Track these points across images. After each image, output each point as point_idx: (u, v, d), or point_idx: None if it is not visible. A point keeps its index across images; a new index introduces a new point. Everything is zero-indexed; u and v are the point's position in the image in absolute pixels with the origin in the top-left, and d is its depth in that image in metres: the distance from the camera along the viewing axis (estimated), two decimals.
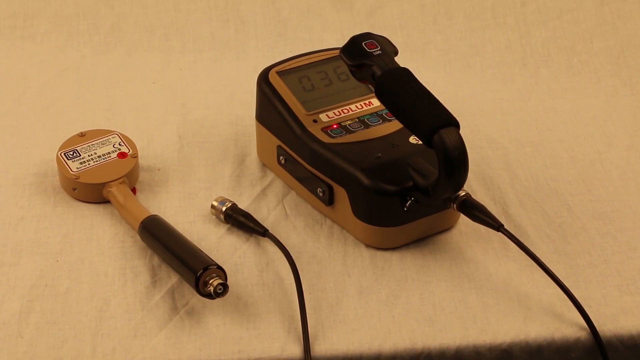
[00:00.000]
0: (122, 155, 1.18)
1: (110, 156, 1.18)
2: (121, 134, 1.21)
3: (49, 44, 1.44)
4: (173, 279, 1.06)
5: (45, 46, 1.43)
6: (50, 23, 1.45)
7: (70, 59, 1.42)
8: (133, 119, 1.31)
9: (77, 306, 1.04)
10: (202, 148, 1.26)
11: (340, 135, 1.14)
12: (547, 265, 1.05)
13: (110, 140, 1.20)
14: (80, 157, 1.18)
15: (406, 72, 1.08)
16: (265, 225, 1.13)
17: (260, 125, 1.20)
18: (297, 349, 0.99)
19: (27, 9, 1.46)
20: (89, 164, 1.17)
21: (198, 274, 1.01)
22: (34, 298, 1.04)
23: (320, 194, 1.13)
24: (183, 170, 1.22)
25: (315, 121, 1.15)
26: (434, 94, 1.06)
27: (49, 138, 1.26)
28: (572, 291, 1.03)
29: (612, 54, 1.44)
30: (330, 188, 1.12)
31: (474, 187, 1.20)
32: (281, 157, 1.18)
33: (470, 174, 1.09)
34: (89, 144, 1.20)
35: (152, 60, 1.42)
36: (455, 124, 1.03)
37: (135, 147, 1.19)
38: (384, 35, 1.13)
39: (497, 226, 1.07)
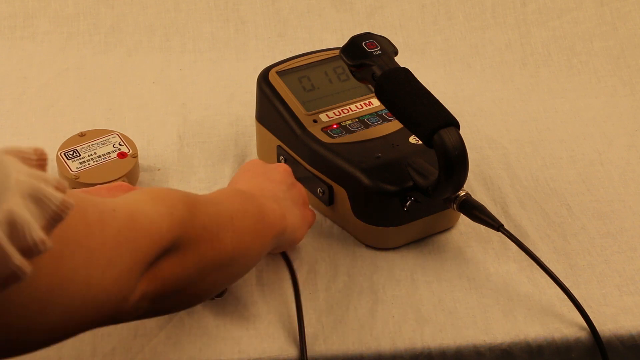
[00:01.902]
0: (122, 155, 1.18)
1: (110, 156, 1.18)
2: (121, 134, 1.21)
3: (49, 44, 1.43)
4: None
5: (45, 46, 1.43)
6: (50, 23, 1.45)
7: (70, 59, 1.42)
8: (133, 119, 1.31)
9: None
10: (202, 148, 1.26)
11: (340, 135, 1.14)
12: (547, 265, 1.05)
13: (110, 140, 1.20)
14: (80, 157, 1.18)
15: (406, 72, 1.08)
16: None
17: (260, 125, 1.20)
18: (296, 349, 0.99)
19: (27, 9, 1.46)
20: (88, 164, 1.17)
21: None
22: None
23: (320, 194, 1.13)
24: (183, 170, 1.22)
25: (315, 121, 1.15)
26: (434, 94, 1.06)
27: (49, 138, 1.26)
28: (572, 291, 1.03)
29: (612, 54, 1.44)
30: (330, 188, 1.12)
31: (474, 187, 1.20)
32: (281, 157, 1.18)
33: (470, 174, 1.09)
34: (89, 144, 1.19)
35: (152, 60, 1.42)
36: (455, 124, 1.03)
37: (135, 147, 1.19)
38: (384, 35, 1.13)
39: (497, 226, 1.07)
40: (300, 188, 1.09)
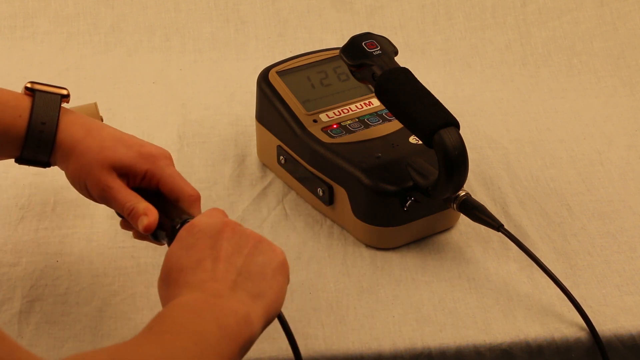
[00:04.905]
0: None
1: None
2: None
3: (49, 44, 1.44)
4: None
5: (45, 46, 1.43)
6: (50, 23, 1.45)
7: (70, 59, 1.42)
8: (133, 119, 1.31)
9: (77, 306, 1.04)
10: (202, 148, 1.26)
11: (340, 135, 1.14)
12: (547, 266, 1.05)
13: None
14: None
15: (406, 72, 1.08)
16: (265, 225, 1.13)
17: (260, 125, 1.20)
18: None
19: (27, 9, 1.46)
20: None
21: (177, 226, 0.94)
22: (34, 298, 1.04)
23: (320, 194, 1.13)
24: (183, 170, 1.22)
25: (315, 121, 1.15)
26: (434, 94, 1.06)
27: None
28: (571, 291, 1.03)
29: (612, 54, 1.44)
30: (330, 188, 1.12)
31: (474, 187, 1.20)
32: (281, 157, 1.18)
33: (470, 174, 1.09)
34: None
35: (152, 60, 1.42)
36: (455, 124, 1.03)
37: None
38: (384, 35, 1.13)
39: (497, 226, 1.07)
40: (252, 238, 0.88)
